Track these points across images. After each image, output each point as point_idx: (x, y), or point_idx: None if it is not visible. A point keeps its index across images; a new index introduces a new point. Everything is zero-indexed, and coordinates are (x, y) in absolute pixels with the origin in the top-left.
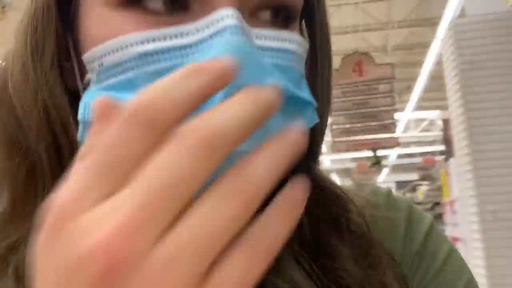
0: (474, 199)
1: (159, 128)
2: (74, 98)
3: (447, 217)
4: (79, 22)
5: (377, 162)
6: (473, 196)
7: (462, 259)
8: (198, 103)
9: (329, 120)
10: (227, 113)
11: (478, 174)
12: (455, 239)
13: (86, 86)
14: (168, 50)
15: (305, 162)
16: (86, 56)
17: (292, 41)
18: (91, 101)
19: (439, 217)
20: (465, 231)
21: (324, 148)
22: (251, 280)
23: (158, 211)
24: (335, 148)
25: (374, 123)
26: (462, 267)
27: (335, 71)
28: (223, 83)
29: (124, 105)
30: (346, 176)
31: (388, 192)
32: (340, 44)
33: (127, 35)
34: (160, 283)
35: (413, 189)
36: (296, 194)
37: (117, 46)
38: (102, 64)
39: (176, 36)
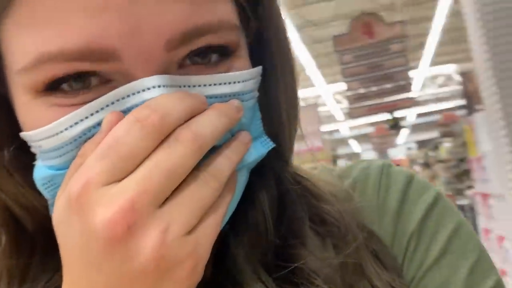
0: (510, 155)
1: (160, 133)
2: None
3: (476, 174)
4: (13, 101)
5: (395, 124)
6: (509, 152)
7: (471, 235)
8: (187, 118)
9: (344, 86)
10: (205, 122)
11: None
12: (486, 195)
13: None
14: (97, 125)
15: (274, 164)
16: (23, 136)
17: (232, 82)
18: (40, 178)
19: (465, 173)
20: (499, 187)
21: (341, 115)
22: (208, 194)
23: (154, 193)
24: (352, 114)
25: (389, 85)
26: (470, 245)
27: (344, 36)
28: (201, 109)
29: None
30: (365, 142)
31: (382, 167)
32: (346, 7)
33: (57, 121)
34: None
35: (436, 147)
36: (242, 138)
37: (50, 133)
38: (40, 146)
39: (102, 109)
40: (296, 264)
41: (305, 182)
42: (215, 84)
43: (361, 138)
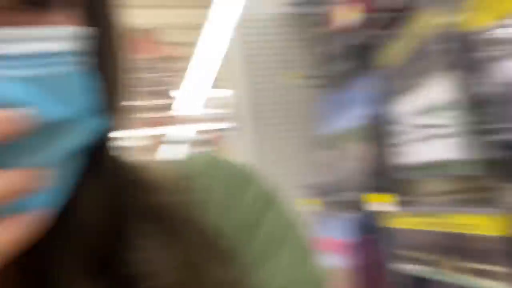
0: None
1: None
2: None
3: None
4: None
5: (164, 139)
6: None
7: (290, 224)
8: None
9: None
10: None
11: (261, 153)
12: None
13: None
14: None
15: (102, 151)
16: None
17: (49, 38)
18: None
19: None
20: None
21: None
22: None
23: None
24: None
25: (155, 102)
26: (298, 241)
27: None
28: None
29: None
30: (131, 153)
31: (209, 160)
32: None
33: None
34: None
35: None
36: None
37: None
38: None
39: None
40: (129, 267)
41: (139, 173)
42: (26, 40)
43: (127, 150)
